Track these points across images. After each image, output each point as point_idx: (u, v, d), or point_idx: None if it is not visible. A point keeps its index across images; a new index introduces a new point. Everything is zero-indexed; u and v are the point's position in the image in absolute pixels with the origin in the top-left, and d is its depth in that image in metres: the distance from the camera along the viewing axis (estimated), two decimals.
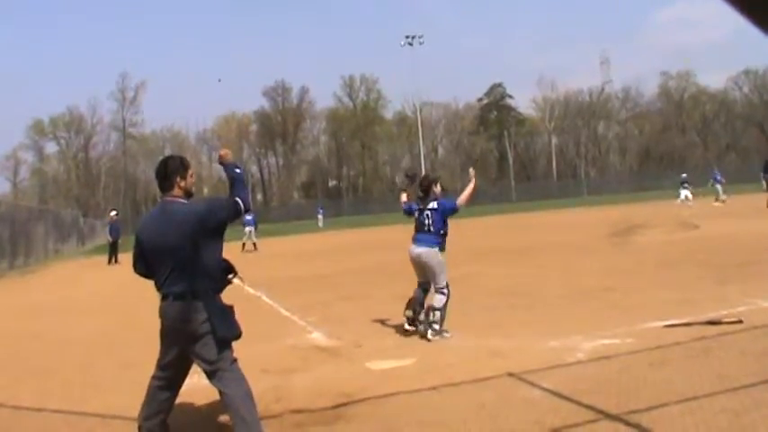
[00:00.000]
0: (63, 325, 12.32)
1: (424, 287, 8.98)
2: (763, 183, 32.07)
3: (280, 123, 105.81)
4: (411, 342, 8.50)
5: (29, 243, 33.42)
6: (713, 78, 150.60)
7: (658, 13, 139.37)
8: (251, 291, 14.08)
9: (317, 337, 9.49)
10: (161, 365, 5.08)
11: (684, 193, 37.72)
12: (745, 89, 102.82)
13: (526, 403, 5.71)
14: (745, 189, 39.39)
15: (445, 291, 8.58)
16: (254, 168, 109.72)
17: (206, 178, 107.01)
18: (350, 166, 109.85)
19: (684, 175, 39.80)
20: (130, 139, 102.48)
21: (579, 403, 5.52)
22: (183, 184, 5.13)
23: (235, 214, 5.05)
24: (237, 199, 5.03)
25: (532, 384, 6.27)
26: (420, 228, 9.00)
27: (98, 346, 9.78)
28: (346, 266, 19.75)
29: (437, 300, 8.52)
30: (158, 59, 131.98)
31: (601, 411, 5.28)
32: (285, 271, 19.37)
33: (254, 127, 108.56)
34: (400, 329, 9.09)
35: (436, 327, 8.34)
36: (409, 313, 8.84)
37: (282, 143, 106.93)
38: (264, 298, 13.54)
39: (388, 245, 25.38)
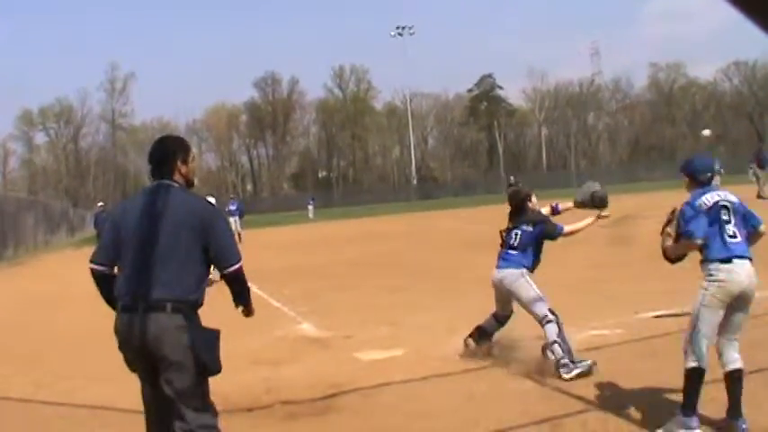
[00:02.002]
0: (52, 316, 12.28)
1: (500, 319, 7.48)
2: (750, 173, 32.10)
3: (270, 114, 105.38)
4: (400, 333, 8.51)
5: (18, 234, 33.24)
6: (703, 70, 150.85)
7: (648, 5, 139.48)
8: None
9: (307, 327, 9.50)
10: (145, 399, 4.07)
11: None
12: (735, 81, 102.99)
13: (516, 394, 5.73)
14: (735, 180, 39.48)
15: (551, 317, 6.88)
16: (244, 159, 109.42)
17: (196, 169, 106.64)
18: (340, 157, 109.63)
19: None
20: (120, 130, 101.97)
21: (569, 394, 5.55)
22: (184, 169, 4.17)
23: (225, 265, 4.05)
24: (237, 267, 4.09)
25: (523, 375, 6.30)
26: (505, 245, 7.53)
27: (88, 337, 9.74)
28: (336, 257, 19.73)
29: (549, 332, 6.74)
30: (148, 50, 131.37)
31: (590, 402, 5.31)
32: (275, 262, 19.33)
33: (243, 118, 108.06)
34: (390, 320, 9.09)
35: (565, 362, 6.39)
36: (471, 342, 7.35)
37: (272, 134, 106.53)
38: (254, 289, 13.48)
39: (378, 236, 25.39)
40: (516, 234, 7.42)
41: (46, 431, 5.78)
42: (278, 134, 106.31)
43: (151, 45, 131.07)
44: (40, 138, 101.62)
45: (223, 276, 4.09)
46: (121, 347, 3.94)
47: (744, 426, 4.67)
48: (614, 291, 10.34)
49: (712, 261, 4.98)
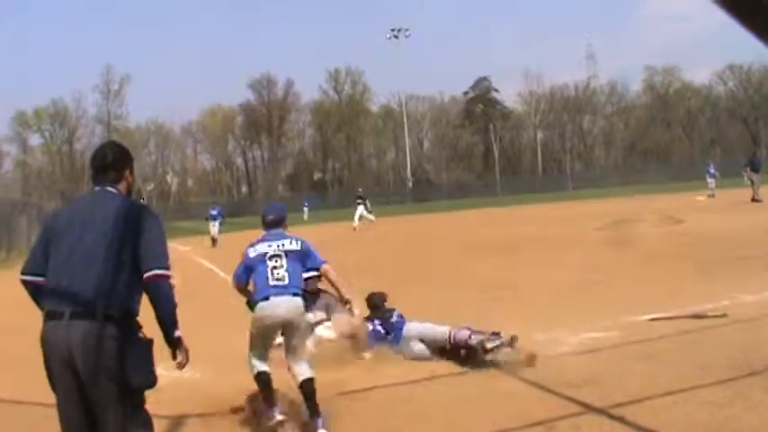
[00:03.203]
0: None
1: None
2: (745, 177, 32.20)
3: (265, 116, 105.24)
4: None
5: (11, 236, 33.13)
6: (698, 73, 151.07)
7: (644, 8, 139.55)
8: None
9: None
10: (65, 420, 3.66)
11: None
12: (730, 84, 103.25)
13: (510, 396, 5.71)
14: (730, 184, 39.59)
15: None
16: (240, 161, 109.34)
17: (191, 171, 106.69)
18: (335, 159, 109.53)
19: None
20: (115, 132, 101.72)
21: (564, 396, 5.53)
22: (130, 179, 4.03)
23: (151, 273, 3.64)
24: (159, 274, 3.67)
25: (517, 377, 6.28)
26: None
27: None
28: (331, 259, 19.64)
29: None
30: (143, 52, 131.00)
31: (585, 404, 5.29)
32: None
33: (239, 120, 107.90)
34: None
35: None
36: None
37: (268, 136, 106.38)
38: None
39: (372, 238, 25.36)
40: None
41: None
42: (273, 136, 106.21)
43: (146, 47, 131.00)
44: (34, 139, 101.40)
45: (145, 284, 3.66)
46: (48, 360, 3.63)
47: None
48: (609, 293, 10.32)
49: None
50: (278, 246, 5.77)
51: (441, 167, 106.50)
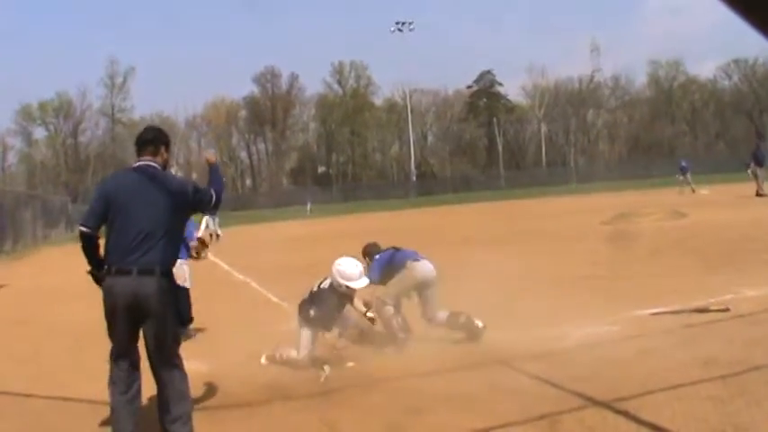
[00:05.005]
0: (51, 311, 12.29)
1: None
2: (749, 172, 32.09)
3: (269, 109, 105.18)
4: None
5: (17, 229, 33.26)
6: (703, 67, 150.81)
7: (648, 2, 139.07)
8: (240, 277, 14.06)
9: None
10: (119, 354, 4.79)
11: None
12: (735, 78, 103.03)
13: (514, 391, 5.73)
14: (734, 178, 39.49)
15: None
16: (244, 154, 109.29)
17: (195, 164, 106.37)
18: (339, 153, 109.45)
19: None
20: (119, 125, 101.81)
21: (567, 390, 5.55)
22: (165, 155, 5.11)
23: (207, 205, 5.08)
24: (213, 192, 5.02)
25: (520, 372, 6.30)
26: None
27: (87, 332, 9.73)
28: (336, 253, 19.65)
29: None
30: (147, 45, 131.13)
31: (588, 399, 5.31)
32: (274, 257, 19.30)
33: (243, 113, 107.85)
34: None
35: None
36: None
37: (272, 129, 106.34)
38: (253, 284, 13.53)
39: (377, 232, 25.34)
40: None
41: (43, 426, 5.77)
42: (277, 129, 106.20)
43: (151, 40, 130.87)
44: (39, 132, 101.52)
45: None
46: (112, 304, 4.65)
47: None
48: (612, 287, 10.34)
49: None
50: None
51: (445, 161, 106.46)
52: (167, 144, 5.16)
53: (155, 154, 5.02)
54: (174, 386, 4.74)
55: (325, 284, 7.32)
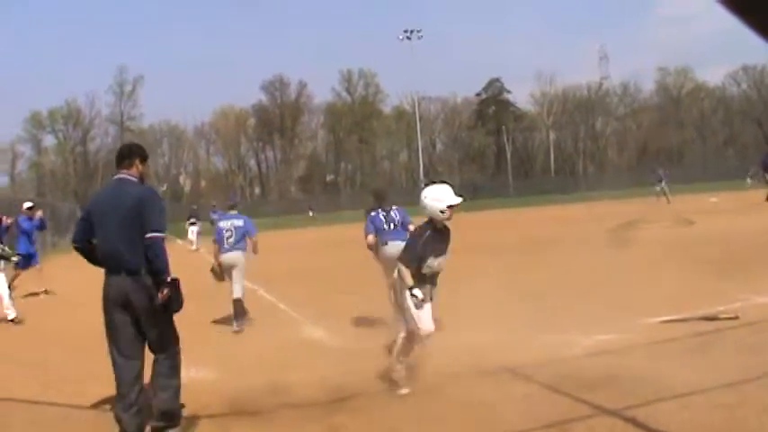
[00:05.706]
0: (59, 317, 12.32)
1: None
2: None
3: (278, 117, 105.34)
4: None
5: None
6: (711, 74, 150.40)
7: (657, 8, 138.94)
8: (246, 284, 14.03)
9: (313, 331, 9.49)
10: (120, 346, 5.32)
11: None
12: (744, 85, 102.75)
13: (524, 398, 5.71)
14: (743, 185, 39.39)
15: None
16: (252, 162, 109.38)
17: (203, 172, 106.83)
18: (348, 161, 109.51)
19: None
20: (128, 133, 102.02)
21: (576, 398, 5.53)
22: (140, 167, 5.65)
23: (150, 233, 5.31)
24: (154, 237, 5.29)
25: (530, 379, 6.28)
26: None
27: (94, 338, 9.74)
28: (343, 260, 19.71)
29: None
30: (156, 53, 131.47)
31: (598, 406, 5.29)
32: (281, 265, 19.31)
33: (251, 121, 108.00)
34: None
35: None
36: None
37: (280, 137, 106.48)
38: (261, 292, 13.53)
39: None
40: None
41: None
42: (286, 137, 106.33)
43: (159, 48, 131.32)
44: (48, 140, 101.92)
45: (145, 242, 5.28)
46: (109, 301, 5.30)
47: None
48: (621, 295, 10.28)
49: None
50: None
51: (453, 169, 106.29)
52: (143, 157, 5.70)
53: (130, 167, 5.60)
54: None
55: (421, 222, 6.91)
